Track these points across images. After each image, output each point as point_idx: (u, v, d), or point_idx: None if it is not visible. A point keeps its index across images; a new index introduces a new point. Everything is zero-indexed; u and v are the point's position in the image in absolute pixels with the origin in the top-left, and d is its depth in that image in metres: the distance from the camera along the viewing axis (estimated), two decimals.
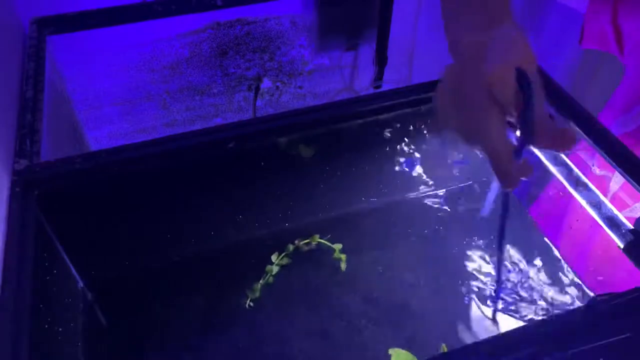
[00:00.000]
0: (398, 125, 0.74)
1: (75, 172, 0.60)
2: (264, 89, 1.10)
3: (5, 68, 0.70)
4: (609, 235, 0.62)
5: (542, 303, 0.70)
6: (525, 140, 0.46)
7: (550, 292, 0.71)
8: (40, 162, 0.60)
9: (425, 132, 0.77)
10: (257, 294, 0.70)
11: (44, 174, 0.59)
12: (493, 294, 0.70)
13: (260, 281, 0.71)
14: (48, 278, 0.59)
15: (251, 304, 0.70)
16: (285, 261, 0.74)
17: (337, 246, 0.75)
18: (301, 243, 0.75)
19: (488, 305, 0.69)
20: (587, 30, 0.64)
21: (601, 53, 0.71)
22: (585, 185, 0.67)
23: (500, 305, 0.69)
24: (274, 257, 0.74)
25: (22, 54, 0.77)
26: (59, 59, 0.88)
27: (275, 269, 0.73)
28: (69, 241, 0.66)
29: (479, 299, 0.70)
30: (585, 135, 0.64)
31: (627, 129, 0.67)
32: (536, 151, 0.72)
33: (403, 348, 0.64)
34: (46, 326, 0.55)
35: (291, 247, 0.75)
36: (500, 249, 0.59)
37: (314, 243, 0.76)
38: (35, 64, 0.74)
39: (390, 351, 0.63)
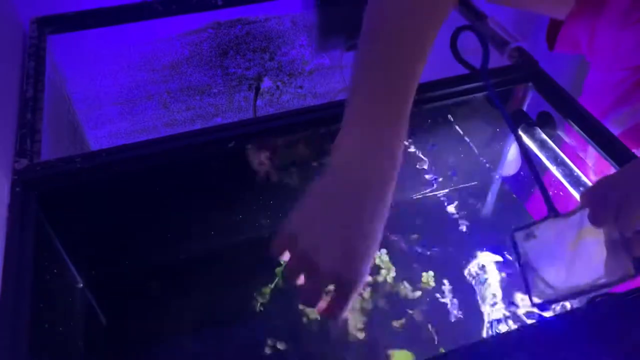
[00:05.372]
0: None
1: (76, 171, 0.60)
2: (264, 88, 1.10)
3: (6, 67, 0.69)
4: None
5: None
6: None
7: None
8: (40, 162, 0.60)
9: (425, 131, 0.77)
10: (267, 298, 0.70)
11: (44, 173, 0.59)
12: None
13: (270, 285, 0.71)
14: (48, 278, 0.59)
15: (262, 308, 0.69)
16: None
17: None
18: None
19: (489, 305, 0.69)
20: (563, 36, 0.70)
21: None
22: (585, 185, 0.67)
23: (501, 304, 0.69)
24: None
25: (23, 54, 0.77)
26: (59, 59, 0.88)
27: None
28: (69, 241, 0.66)
29: (480, 299, 0.70)
30: (585, 135, 0.64)
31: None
32: (536, 150, 0.72)
33: (403, 348, 0.64)
34: (46, 326, 0.55)
35: None
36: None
37: None
38: (36, 63, 0.74)
39: (390, 351, 0.63)
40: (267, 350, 0.65)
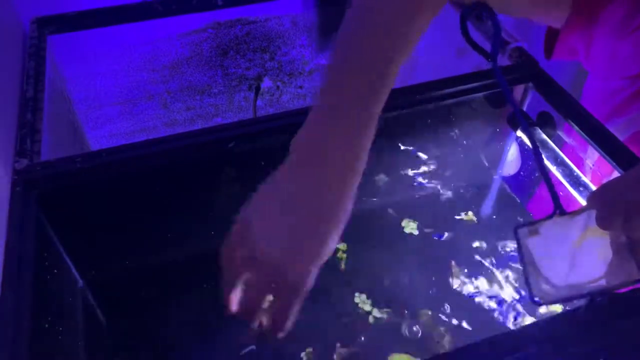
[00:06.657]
0: (398, 125, 0.74)
1: (76, 171, 0.60)
2: (264, 88, 1.10)
3: (6, 68, 0.70)
4: None
5: None
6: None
7: None
8: (40, 162, 0.60)
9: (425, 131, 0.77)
10: None
11: (44, 173, 0.59)
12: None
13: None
14: (48, 278, 0.59)
15: None
16: None
17: (342, 246, 0.75)
18: None
19: (488, 306, 0.69)
20: (561, 45, 0.70)
21: None
22: (585, 185, 0.67)
23: (501, 304, 0.69)
24: None
25: (23, 54, 0.77)
26: (59, 59, 0.88)
27: None
28: (69, 241, 0.66)
29: (479, 300, 0.70)
30: (585, 135, 0.64)
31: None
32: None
33: (402, 348, 0.64)
34: (46, 326, 0.55)
35: None
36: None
37: None
38: (36, 63, 0.74)
39: (391, 355, 0.63)
40: (267, 350, 0.65)
